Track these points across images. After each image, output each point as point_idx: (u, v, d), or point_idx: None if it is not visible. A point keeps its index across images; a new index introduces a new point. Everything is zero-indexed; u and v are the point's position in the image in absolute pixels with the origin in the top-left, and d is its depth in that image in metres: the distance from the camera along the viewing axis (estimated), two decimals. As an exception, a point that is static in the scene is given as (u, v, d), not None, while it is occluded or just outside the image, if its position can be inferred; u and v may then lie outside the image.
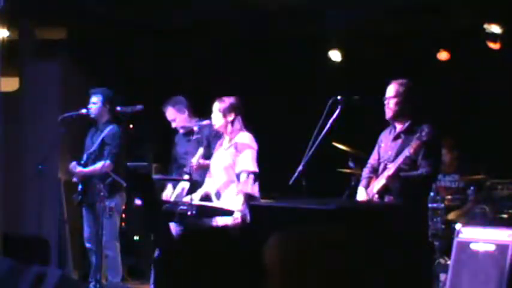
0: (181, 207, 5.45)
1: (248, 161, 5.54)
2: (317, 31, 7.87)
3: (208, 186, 5.86)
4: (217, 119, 5.72)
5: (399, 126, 5.26)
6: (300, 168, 5.19)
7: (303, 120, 6.03)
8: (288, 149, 6.10)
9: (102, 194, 6.24)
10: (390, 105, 5.23)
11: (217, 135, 6.10)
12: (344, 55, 8.21)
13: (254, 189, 5.54)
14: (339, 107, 5.27)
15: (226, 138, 5.74)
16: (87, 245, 6.71)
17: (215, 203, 5.67)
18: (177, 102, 6.67)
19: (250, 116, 5.79)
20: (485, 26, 7.46)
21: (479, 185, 6.76)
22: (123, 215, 7.03)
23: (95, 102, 6.66)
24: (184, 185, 6.35)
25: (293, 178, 5.19)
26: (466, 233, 5.26)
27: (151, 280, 6.09)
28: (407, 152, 4.98)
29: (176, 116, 6.64)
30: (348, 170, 7.03)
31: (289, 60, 8.11)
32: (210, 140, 6.30)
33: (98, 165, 6.46)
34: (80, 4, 7.37)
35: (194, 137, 6.34)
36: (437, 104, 7.36)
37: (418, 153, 5.01)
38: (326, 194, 5.77)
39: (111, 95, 6.71)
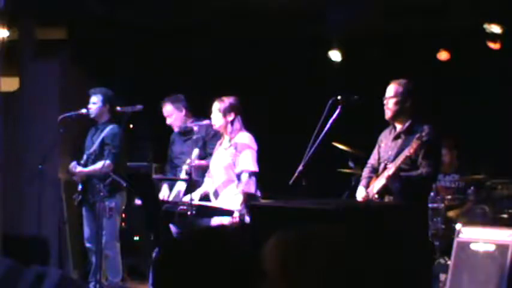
0: (181, 207, 5.45)
1: (248, 161, 5.55)
2: (317, 31, 7.87)
3: (208, 185, 5.87)
4: (217, 119, 5.72)
5: (399, 126, 5.26)
6: (300, 168, 5.20)
7: (303, 120, 6.03)
8: (288, 149, 6.11)
9: (102, 194, 6.24)
10: (389, 106, 5.23)
11: (215, 136, 6.11)
12: (344, 55, 8.21)
13: (255, 189, 5.55)
14: (339, 107, 5.28)
15: (226, 138, 5.75)
16: (87, 245, 6.71)
17: (213, 203, 5.67)
18: (177, 100, 6.71)
19: (250, 116, 5.79)
20: (485, 26, 7.46)
21: (479, 185, 6.75)
22: (123, 215, 7.03)
23: (95, 102, 6.67)
24: (181, 187, 6.36)
25: (293, 178, 5.19)
26: (466, 233, 5.26)
27: (151, 280, 6.09)
28: (407, 152, 4.98)
29: (173, 113, 6.67)
30: (348, 170, 7.03)
31: (290, 60, 8.10)
32: (207, 141, 6.32)
33: (98, 165, 6.46)
34: (80, 4, 7.37)
35: (194, 137, 6.35)
36: (438, 104, 7.37)
37: (418, 153, 5.02)
38: (326, 194, 5.78)
39: (111, 95, 6.71)
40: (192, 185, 5.69)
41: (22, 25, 7.68)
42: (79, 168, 6.58)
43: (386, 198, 5.12)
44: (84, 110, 6.66)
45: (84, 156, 6.68)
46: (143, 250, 7.49)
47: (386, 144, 5.32)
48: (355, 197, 5.43)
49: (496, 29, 7.46)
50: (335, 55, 8.25)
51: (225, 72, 7.88)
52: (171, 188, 6.64)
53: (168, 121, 6.73)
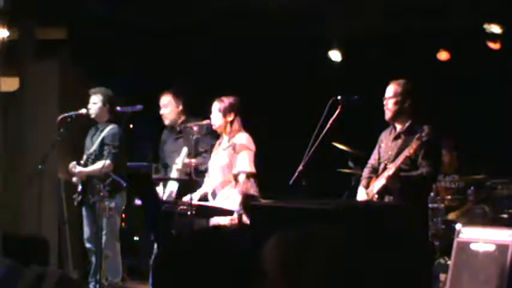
0: (181, 207, 5.45)
1: (246, 162, 5.56)
2: (317, 31, 7.87)
3: (207, 186, 5.87)
4: (216, 119, 5.72)
5: (399, 127, 5.27)
6: (300, 168, 5.20)
7: (303, 120, 6.03)
8: (288, 149, 6.10)
9: (102, 194, 6.24)
10: (389, 106, 5.23)
11: (208, 134, 6.10)
12: (344, 55, 8.21)
13: (253, 190, 5.55)
14: (339, 107, 5.28)
15: (225, 138, 5.75)
16: (87, 245, 6.71)
17: (211, 203, 5.68)
18: (178, 94, 6.68)
19: (250, 116, 5.79)
20: (485, 26, 7.46)
21: (479, 185, 6.75)
22: (123, 215, 7.03)
23: (95, 102, 6.67)
24: (173, 187, 6.34)
25: (293, 178, 5.19)
26: (466, 233, 5.26)
27: (151, 280, 6.09)
28: (407, 152, 4.98)
29: (170, 105, 6.63)
30: (348, 170, 7.03)
31: (290, 60, 8.10)
32: (199, 139, 6.28)
33: (98, 165, 6.46)
34: (79, 4, 7.37)
35: (195, 137, 6.33)
36: (438, 104, 7.37)
37: (418, 154, 5.02)
38: (326, 194, 5.78)
39: (111, 95, 6.71)
40: (191, 184, 5.69)
41: (22, 25, 7.68)
42: (79, 168, 6.58)
43: (386, 198, 5.12)
44: (84, 110, 6.66)
45: (84, 156, 6.68)
46: (143, 250, 7.49)
47: (386, 145, 5.32)
48: (355, 197, 5.43)
49: (496, 29, 7.46)
50: (335, 55, 8.25)
51: (225, 72, 7.87)
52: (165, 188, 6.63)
53: (162, 111, 6.66)
